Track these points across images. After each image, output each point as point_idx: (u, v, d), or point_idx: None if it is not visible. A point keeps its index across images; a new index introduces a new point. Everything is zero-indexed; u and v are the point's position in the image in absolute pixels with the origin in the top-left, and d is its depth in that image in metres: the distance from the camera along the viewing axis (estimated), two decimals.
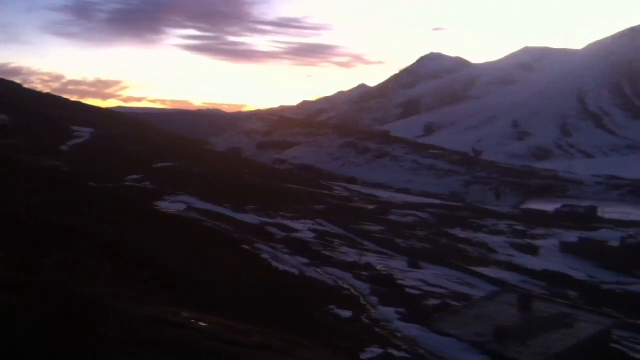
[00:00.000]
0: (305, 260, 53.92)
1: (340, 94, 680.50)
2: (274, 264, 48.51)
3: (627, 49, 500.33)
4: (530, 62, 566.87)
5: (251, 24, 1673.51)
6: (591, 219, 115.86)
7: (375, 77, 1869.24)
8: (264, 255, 50.89)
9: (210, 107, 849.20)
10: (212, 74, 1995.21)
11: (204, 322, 21.06)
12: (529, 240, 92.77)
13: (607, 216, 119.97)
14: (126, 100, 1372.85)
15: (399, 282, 50.77)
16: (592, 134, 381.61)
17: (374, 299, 41.94)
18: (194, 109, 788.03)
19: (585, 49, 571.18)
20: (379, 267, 58.37)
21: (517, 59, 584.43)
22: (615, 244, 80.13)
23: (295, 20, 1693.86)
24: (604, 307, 52.38)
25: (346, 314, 36.96)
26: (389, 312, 38.31)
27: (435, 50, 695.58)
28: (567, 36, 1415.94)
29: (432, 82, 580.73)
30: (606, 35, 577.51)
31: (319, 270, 50.56)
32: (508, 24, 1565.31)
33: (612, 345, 37.22)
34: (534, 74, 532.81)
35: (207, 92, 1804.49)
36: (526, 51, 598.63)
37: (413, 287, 50.25)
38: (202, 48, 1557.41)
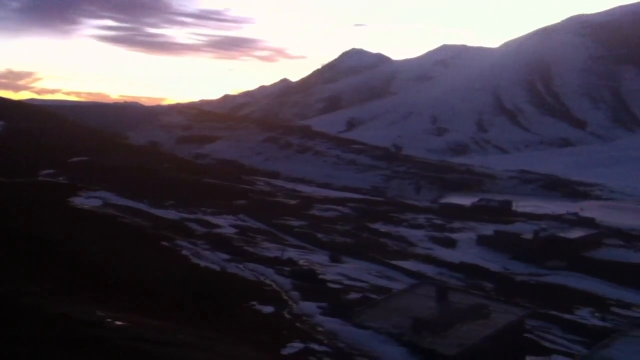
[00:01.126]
0: (226, 256, 53.36)
1: (262, 88, 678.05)
2: (194, 260, 47.81)
3: (540, 47, 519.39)
4: (448, 59, 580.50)
5: (170, 16, 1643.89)
6: (506, 212, 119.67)
7: (297, 72, 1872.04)
8: (184, 252, 50.08)
9: (128, 100, 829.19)
10: (130, 66, 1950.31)
11: (122, 321, 20.54)
12: (447, 234, 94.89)
13: (520, 209, 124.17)
14: (39, 92, 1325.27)
15: (321, 276, 50.95)
16: (506, 130, 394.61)
17: (296, 294, 41.93)
18: (110, 101, 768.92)
19: (500, 47, 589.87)
20: (300, 261, 58.42)
21: (436, 55, 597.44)
22: (529, 236, 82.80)
23: (216, 12, 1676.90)
24: (517, 297, 54.30)
25: (267, 309, 36.84)
26: (310, 306, 38.38)
27: (357, 46, 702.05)
28: (483, 34, 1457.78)
29: (354, 78, 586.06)
30: (520, 34, 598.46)
31: (240, 266, 50.15)
32: (427, 21, 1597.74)
33: (525, 334, 38.60)
34: (452, 70, 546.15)
35: (124, 84, 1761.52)
36: (444, 48, 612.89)
37: (334, 281, 50.54)
38: (119, 39, 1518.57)
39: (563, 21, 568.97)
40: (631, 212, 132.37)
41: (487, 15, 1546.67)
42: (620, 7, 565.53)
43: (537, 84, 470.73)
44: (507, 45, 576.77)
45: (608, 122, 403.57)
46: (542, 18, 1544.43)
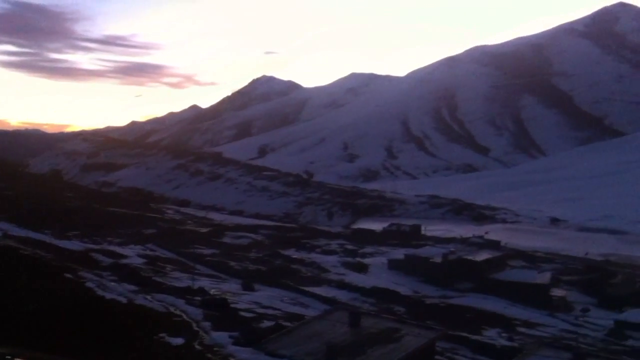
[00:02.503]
0: (134, 288, 51.61)
1: (172, 114, 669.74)
2: (100, 292, 45.87)
3: (445, 76, 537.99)
4: (358, 87, 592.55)
5: (74, 41, 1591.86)
6: (416, 236, 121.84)
7: (207, 99, 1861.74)
8: (89, 284, 48.01)
9: (29, 126, 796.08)
10: (32, 92, 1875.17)
11: (21, 357, 19.17)
12: (359, 259, 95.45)
13: (430, 233, 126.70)
14: None
15: (233, 305, 50.04)
16: (415, 156, 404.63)
17: (207, 324, 41.00)
18: (10, 128, 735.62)
19: (407, 76, 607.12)
20: (212, 291, 57.26)
21: (346, 83, 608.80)
22: (438, 259, 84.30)
23: (122, 38, 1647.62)
24: (428, 320, 54.99)
25: (177, 341, 35.76)
26: (222, 336, 37.56)
27: (268, 73, 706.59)
28: (390, 63, 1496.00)
29: (264, 105, 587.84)
30: (425, 63, 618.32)
31: (148, 297, 48.56)
32: (336, 49, 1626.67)
33: (435, 356, 39.00)
34: (362, 98, 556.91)
35: (25, 111, 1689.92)
36: (353, 76, 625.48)
37: (247, 310, 49.72)
38: (20, 64, 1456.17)
39: (466, 51, 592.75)
40: (533, 234, 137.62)
41: (393, 45, 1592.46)
42: (520, 38, 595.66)
43: (443, 112, 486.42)
44: (414, 74, 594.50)
45: (510, 148, 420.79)
46: (446, 48, 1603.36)
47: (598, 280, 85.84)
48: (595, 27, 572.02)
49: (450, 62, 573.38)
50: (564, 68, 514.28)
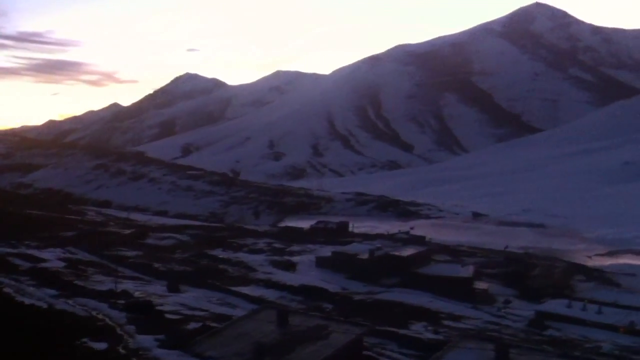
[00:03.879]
0: (54, 292, 49.74)
1: (91, 113, 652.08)
2: (18, 298, 44.04)
3: (368, 75, 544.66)
4: (283, 85, 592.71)
5: None
6: (343, 233, 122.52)
7: (128, 97, 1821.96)
8: (6, 289, 46.03)
9: None
10: None
11: None
12: (286, 257, 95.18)
13: (356, 230, 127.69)
14: None
15: (158, 307, 48.92)
16: (341, 154, 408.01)
17: (132, 328, 39.97)
18: None
19: (332, 74, 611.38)
20: (136, 293, 55.86)
21: (271, 81, 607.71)
22: (364, 256, 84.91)
23: (37, 34, 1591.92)
24: (356, 316, 55.28)
25: (100, 345, 34.69)
26: (147, 340, 36.66)
27: (191, 71, 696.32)
28: (315, 61, 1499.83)
29: (188, 103, 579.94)
30: (349, 62, 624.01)
31: (70, 301, 46.91)
32: (260, 47, 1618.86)
33: (364, 352, 39.19)
34: (287, 96, 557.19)
35: None
36: (278, 74, 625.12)
37: (173, 312, 48.71)
38: None
39: (389, 50, 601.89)
40: (457, 228, 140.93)
41: (318, 43, 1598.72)
42: (441, 37, 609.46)
43: (367, 110, 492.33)
44: (338, 72, 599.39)
45: (433, 145, 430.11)
46: (369, 47, 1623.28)
47: (518, 272, 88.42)
48: (513, 27, 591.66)
49: (373, 61, 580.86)
50: (483, 67, 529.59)
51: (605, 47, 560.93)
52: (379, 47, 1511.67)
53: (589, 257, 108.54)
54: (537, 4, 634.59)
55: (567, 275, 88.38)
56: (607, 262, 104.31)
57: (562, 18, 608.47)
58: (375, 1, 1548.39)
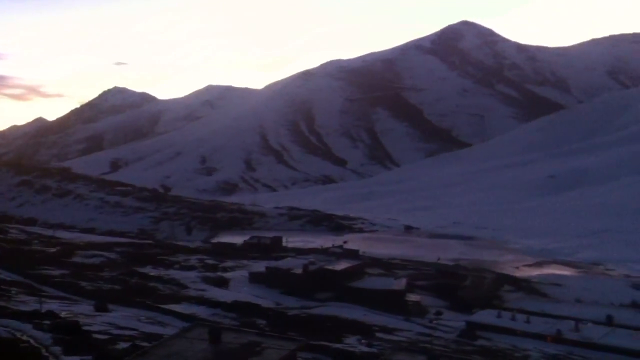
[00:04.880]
0: None
1: (15, 128, 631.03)
2: None
3: (301, 90, 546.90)
4: (214, 99, 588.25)
5: None
6: (277, 248, 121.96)
7: (53, 111, 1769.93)
8: None
9: None
10: None
11: None
12: (219, 273, 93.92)
13: (290, 245, 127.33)
14: None
15: (85, 327, 47.19)
16: (274, 169, 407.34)
17: (58, 349, 38.41)
18: None
19: (264, 89, 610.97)
20: (62, 314, 53.78)
21: (202, 96, 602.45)
22: (298, 271, 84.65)
23: None
24: (290, 331, 54.79)
25: None
26: None
27: (119, 85, 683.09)
28: (247, 76, 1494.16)
29: (116, 117, 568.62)
30: (282, 77, 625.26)
31: None
32: (190, 60, 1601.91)
33: None
34: (219, 111, 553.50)
35: None
36: (210, 89, 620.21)
37: (101, 332, 47.09)
38: None
39: (322, 65, 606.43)
40: (389, 242, 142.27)
41: (249, 58, 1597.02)
42: (372, 54, 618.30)
43: (300, 125, 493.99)
44: (271, 87, 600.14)
45: (365, 159, 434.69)
46: (301, 62, 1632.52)
47: (449, 284, 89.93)
48: (441, 44, 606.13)
49: (305, 76, 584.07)
50: (413, 83, 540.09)
51: (529, 64, 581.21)
52: (311, 62, 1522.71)
53: (517, 267, 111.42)
54: (465, 23, 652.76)
55: (496, 286, 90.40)
56: (534, 272, 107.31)
57: (488, 36, 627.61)
58: (306, 17, 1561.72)
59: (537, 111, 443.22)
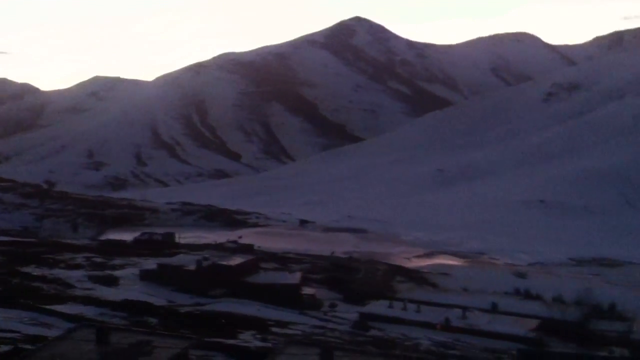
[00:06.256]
0: None
1: None
2: None
3: (194, 82, 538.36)
4: (101, 91, 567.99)
5: None
6: (169, 245, 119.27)
7: None
8: None
9: None
10: None
11: None
12: (108, 272, 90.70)
13: (183, 241, 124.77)
14: None
15: None
16: (165, 163, 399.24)
17: None
18: None
19: (155, 80, 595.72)
20: None
21: (88, 87, 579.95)
22: (191, 267, 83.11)
23: None
24: (183, 329, 53.71)
25: None
26: None
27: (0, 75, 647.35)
28: (135, 67, 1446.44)
29: None
30: (175, 68, 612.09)
31: None
32: (76, 52, 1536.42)
33: None
34: (106, 103, 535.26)
35: None
36: (96, 80, 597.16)
37: None
38: None
39: (214, 58, 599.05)
40: (284, 236, 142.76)
41: (139, 48, 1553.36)
42: (265, 47, 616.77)
43: (193, 118, 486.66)
44: (162, 79, 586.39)
45: (260, 154, 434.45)
46: (194, 54, 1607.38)
47: (343, 276, 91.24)
48: (335, 39, 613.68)
49: (198, 68, 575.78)
50: (307, 77, 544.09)
51: (419, 61, 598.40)
52: (204, 54, 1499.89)
53: (408, 259, 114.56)
54: (357, 18, 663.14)
55: (388, 277, 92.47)
56: (424, 263, 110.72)
57: (380, 33, 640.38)
58: (197, 8, 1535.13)
59: (427, 107, 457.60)
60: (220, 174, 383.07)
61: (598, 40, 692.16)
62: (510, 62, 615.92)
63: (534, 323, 68.03)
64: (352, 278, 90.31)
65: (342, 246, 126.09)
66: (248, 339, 57.69)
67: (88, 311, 63.85)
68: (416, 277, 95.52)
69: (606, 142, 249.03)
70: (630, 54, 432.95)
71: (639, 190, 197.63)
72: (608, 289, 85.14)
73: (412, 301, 74.46)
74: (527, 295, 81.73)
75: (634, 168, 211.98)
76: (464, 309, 70.93)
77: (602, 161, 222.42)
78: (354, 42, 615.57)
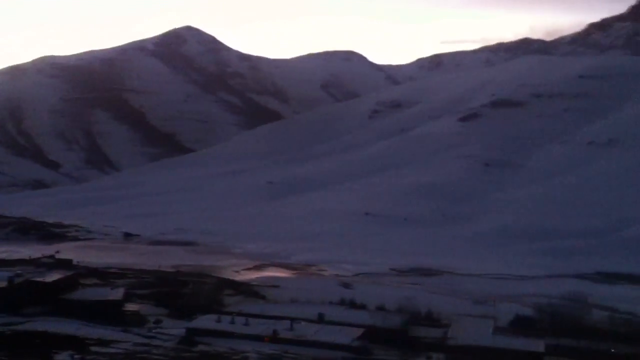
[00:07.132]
0: None
1: None
2: None
3: (9, 86, 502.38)
4: None
5: None
6: None
7: None
8: None
9: None
10: None
11: None
12: None
13: None
14: None
15: None
16: None
17: None
18: None
19: None
20: None
21: None
22: (3, 284, 77.46)
23: None
24: None
25: None
26: None
27: None
28: None
29: None
30: None
31: None
32: None
33: None
34: None
35: None
36: None
37: None
38: None
39: (34, 61, 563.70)
40: (107, 250, 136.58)
41: None
42: (91, 51, 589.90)
43: (7, 124, 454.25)
44: None
45: (81, 163, 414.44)
46: (11, 56, 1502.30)
47: (170, 291, 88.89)
48: (165, 47, 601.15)
49: (15, 71, 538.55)
50: (135, 85, 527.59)
51: (251, 73, 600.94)
52: (22, 57, 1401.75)
53: (237, 272, 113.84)
54: (188, 28, 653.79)
55: (217, 291, 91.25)
56: (254, 275, 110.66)
57: (211, 43, 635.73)
58: (19, 7, 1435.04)
59: (259, 120, 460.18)
60: (37, 184, 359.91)
61: (420, 62, 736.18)
62: (339, 79, 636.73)
63: (358, 331, 70.18)
64: (180, 293, 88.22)
65: (170, 260, 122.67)
66: (65, 359, 54.55)
67: None
68: (245, 290, 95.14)
69: (425, 158, 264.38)
70: (448, 76, 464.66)
71: (454, 203, 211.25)
72: (427, 297, 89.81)
73: (240, 314, 74.09)
74: (353, 305, 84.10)
75: (449, 183, 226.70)
76: (292, 320, 71.66)
77: (422, 176, 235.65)
78: (185, 51, 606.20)
